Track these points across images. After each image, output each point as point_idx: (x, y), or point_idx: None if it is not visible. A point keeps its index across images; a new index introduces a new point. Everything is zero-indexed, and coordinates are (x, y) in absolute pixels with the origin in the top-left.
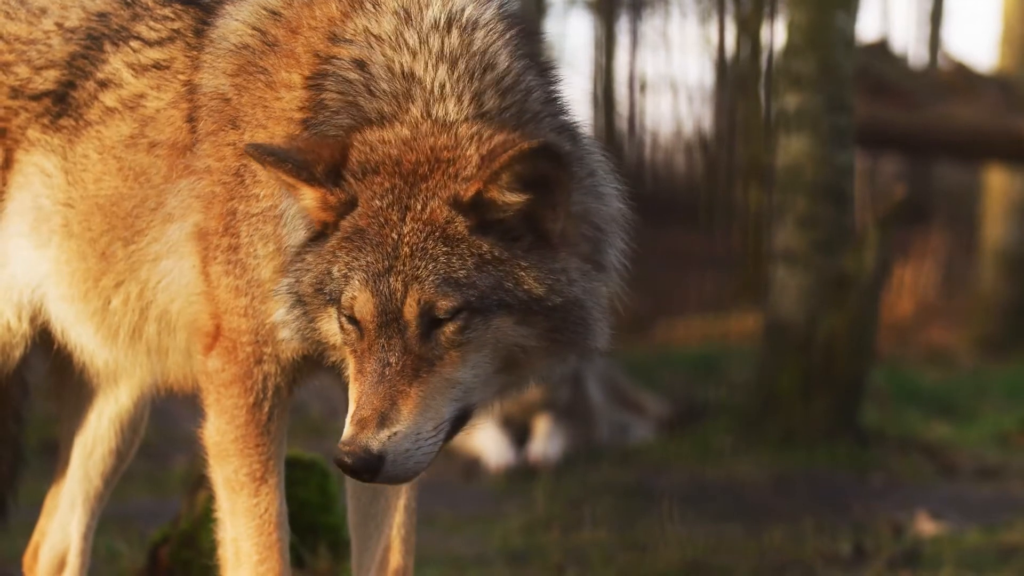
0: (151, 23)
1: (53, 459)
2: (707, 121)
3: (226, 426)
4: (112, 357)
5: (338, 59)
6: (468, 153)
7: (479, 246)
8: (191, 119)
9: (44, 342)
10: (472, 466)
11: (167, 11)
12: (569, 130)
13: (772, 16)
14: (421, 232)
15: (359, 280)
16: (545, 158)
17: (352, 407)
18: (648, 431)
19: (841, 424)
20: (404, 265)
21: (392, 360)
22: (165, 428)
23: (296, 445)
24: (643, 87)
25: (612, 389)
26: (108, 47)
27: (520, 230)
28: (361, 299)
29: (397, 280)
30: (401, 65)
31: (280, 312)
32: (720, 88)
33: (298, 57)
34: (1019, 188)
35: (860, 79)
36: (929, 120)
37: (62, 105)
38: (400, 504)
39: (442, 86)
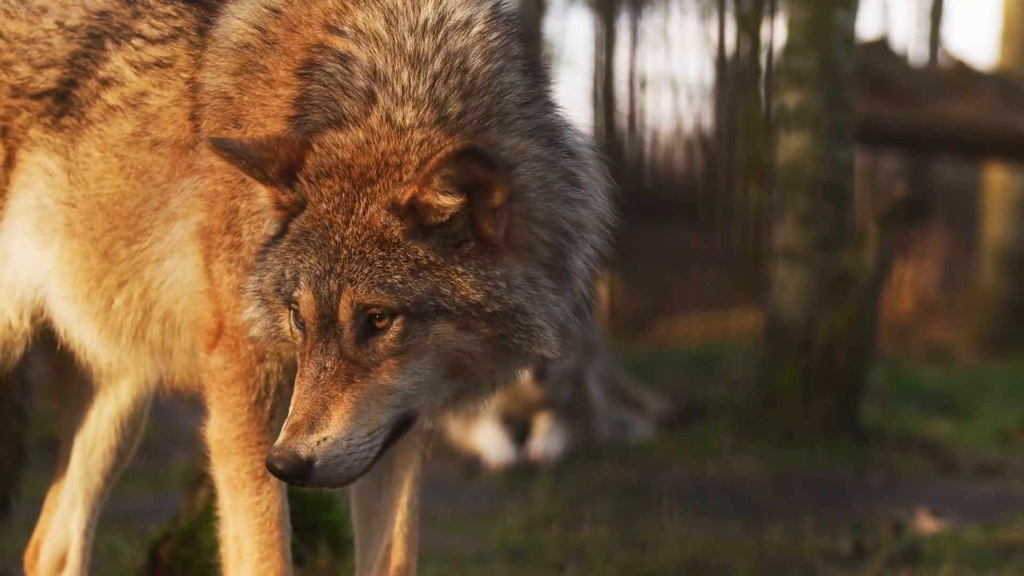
0: (153, 21)
1: (54, 456)
2: (707, 119)
3: (228, 424)
4: (116, 357)
5: (328, 48)
6: (413, 158)
7: (415, 251)
8: (194, 117)
9: (45, 340)
10: (472, 464)
11: (169, 9)
12: (548, 132)
13: (772, 14)
14: (360, 236)
15: (304, 281)
16: (474, 160)
17: (290, 411)
18: (648, 429)
19: (841, 422)
20: (342, 268)
21: (328, 364)
22: (165, 426)
23: None
24: (643, 85)
25: (612, 387)
26: (110, 45)
27: (463, 236)
28: (304, 299)
29: (334, 282)
30: (375, 65)
31: (249, 310)
32: (720, 86)
33: (293, 55)
34: (1019, 186)
35: (860, 77)
36: (929, 118)
37: (64, 104)
38: (403, 502)
39: (404, 90)
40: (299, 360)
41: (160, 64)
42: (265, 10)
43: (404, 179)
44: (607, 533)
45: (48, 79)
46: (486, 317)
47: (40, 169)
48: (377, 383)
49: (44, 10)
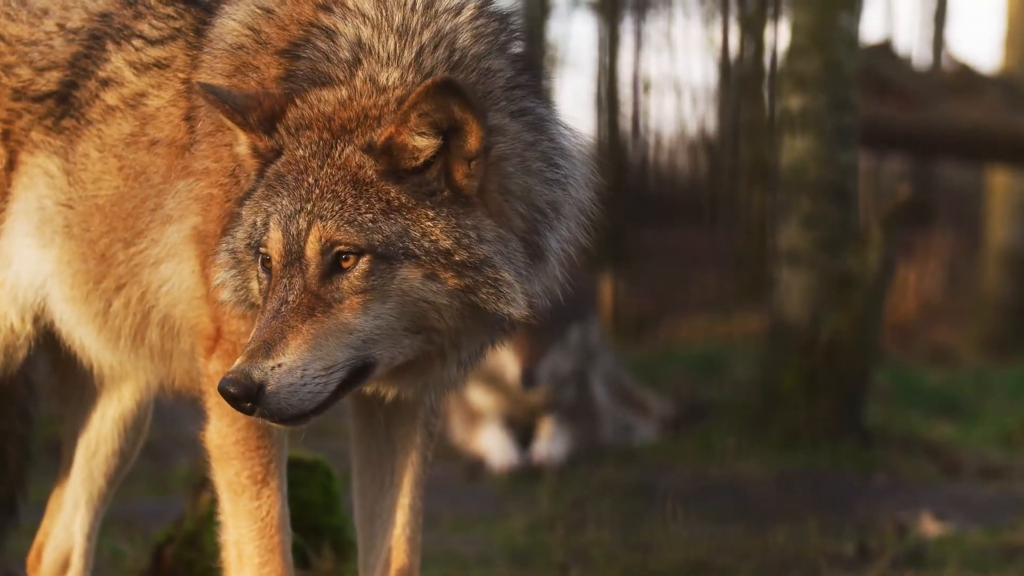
0: (153, 21)
1: (58, 458)
2: (711, 121)
3: (227, 428)
4: (116, 359)
5: (315, 26)
6: (392, 107)
7: (387, 191)
8: (189, 118)
9: (48, 343)
10: (476, 466)
11: (169, 10)
12: (531, 118)
13: (776, 17)
14: (334, 176)
15: (273, 222)
16: (451, 96)
17: (248, 340)
18: (652, 431)
19: (844, 424)
20: (313, 206)
21: (290, 298)
22: (168, 428)
23: (298, 445)
24: (647, 88)
25: (617, 389)
26: (110, 46)
27: (437, 184)
28: (273, 238)
29: (304, 220)
30: (360, 37)
31: (220, 274)
32: (724, 89)
33: (283, 52)
34: (1022, 188)
35: (864, 79)
36: (933, 120)
37: (64, 106)
38: (406, 503)
39: (390, 56)
40: (262, 301)
41: (159, 65)
42: (259, 11)
43: (382, 125)
44: (611, 535)
45: (49, 81)
46: (454, 266)
47: (41, 171)
48: (338, 320)
49: (45, 12)
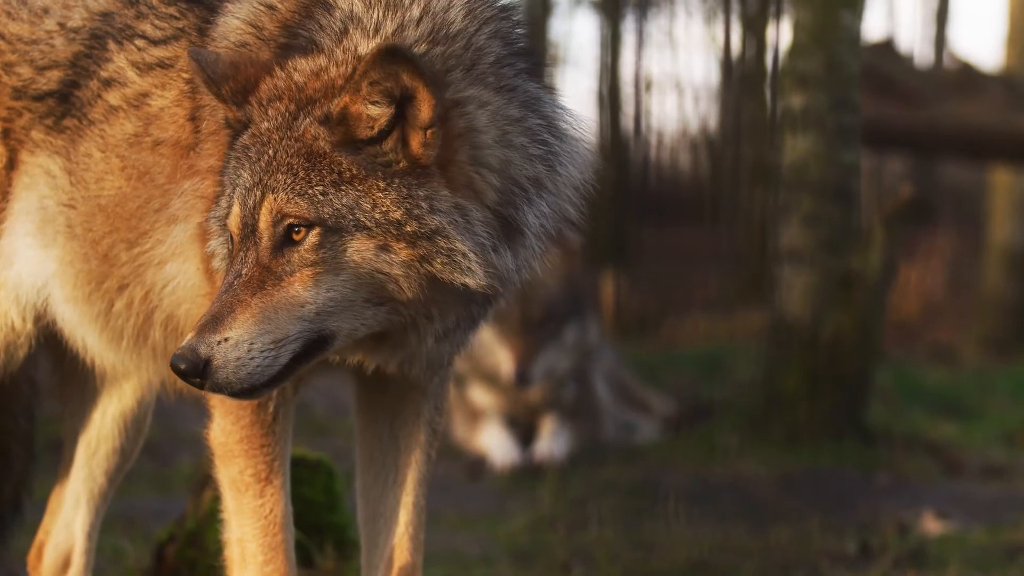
0: (156, 21)
1: (59, 457)
2: (713, 120)
3: (231, 427)
4: (118, 359)
5: (316, 4)
6: (348, 78)
7: (339, 163)
8: (193, 118)
9: (49, 341)
10: (478, 465)
11: (172, 9)
12: (521, 95)
13: (778, 15)
14: (291, 149)
15: (236, 196)
16: (400, 64)
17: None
18: (654, 430)
19: (847, 423)
20: (268, 179)
21: (243, 271)
22: (170, 427)
23: (302, 444)
24: (648, 86)
25: (618, 388)
26: (112, 45)
27: (393, 155)
28: (233, 212)
29: (259, 192)
30: (354, 9)
31: (211, 242)
32: (726, 87)
33: (283, 30)
34: None
35: (866, 78)
36: (935, 119)
37: (65, 105)
38: (408, 502)
39: (374, 26)
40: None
41: (162, 65)
42: (261, 7)
43: (341, 95)
44: (613, 534)
45: (50, 80)
46: (406, 237)
47: (42, 171)
48: (288, 292)
49: (46, 11)
